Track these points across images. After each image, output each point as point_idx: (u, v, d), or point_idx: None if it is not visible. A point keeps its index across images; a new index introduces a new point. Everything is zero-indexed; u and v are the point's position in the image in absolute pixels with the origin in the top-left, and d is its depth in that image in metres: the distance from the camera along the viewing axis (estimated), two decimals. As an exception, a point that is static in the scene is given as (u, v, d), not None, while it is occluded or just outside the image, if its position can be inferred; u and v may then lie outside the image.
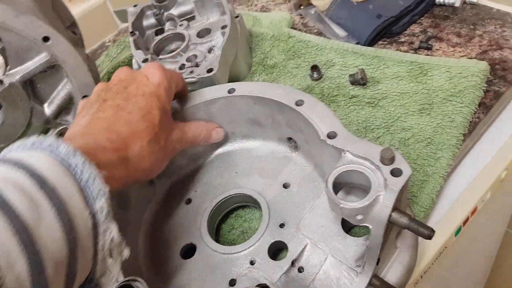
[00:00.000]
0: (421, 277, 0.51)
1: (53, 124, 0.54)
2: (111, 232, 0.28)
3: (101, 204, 0.27)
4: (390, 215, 0.32)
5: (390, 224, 0.33)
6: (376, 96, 0.58)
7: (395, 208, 0.33)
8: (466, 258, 0.68)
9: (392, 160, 0.34)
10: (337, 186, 0.35)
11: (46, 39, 0.46)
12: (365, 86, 0.60)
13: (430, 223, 0.49)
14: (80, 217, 0.26)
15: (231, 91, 0.48)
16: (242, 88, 0.48)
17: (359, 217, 0.33)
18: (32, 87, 0.51)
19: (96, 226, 0.27)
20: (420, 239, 0.44)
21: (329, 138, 0.38)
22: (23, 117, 0.50)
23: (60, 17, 0.57)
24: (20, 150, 0.28)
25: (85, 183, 0.27)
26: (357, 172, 0.35)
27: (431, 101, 0.55)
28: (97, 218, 0.27)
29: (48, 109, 0.53)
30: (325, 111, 0.41)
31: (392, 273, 0.38)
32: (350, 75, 0.61)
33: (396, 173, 0.33)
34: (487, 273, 1.03)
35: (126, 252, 0.30)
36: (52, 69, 0.50)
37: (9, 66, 0.48)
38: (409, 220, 0.32)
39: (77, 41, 0.61)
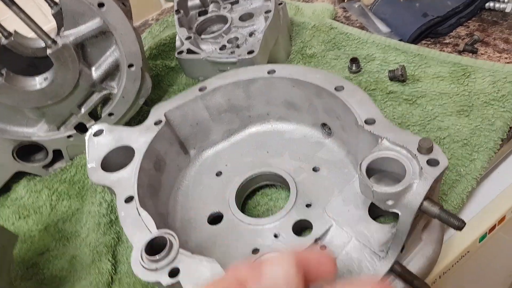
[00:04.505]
0: (440, 277, 0.50)
1: (98, 88, 0.57)
2: None
3: None
4: (422, 203, 0.33)
5: (421, 212, 0.33)
6: (415, 93, 0.57)
7: (427, 197, 0.33)
8: (486, 268, 0.66)
9: (430, 150, 0.34)
10: (370, 172, 0.36)
11: (101, 5, 0.49)
12: (404, 83, 0.59)
13: (456, 225, 0.49)
14: None
15: (271, 72, 0.49)
16: (282, 70, 0.49)
17: (390, 202, 0.34)
18: (82, 50, 0.53)
19: None
20: (445, 238, 0.44)
21: (367, 124, 0.39)
22: (72, 77, 0.53)
23: (113, -12, 0.60)
24: None
25: None
26: (393, 160, 0.35)
27: (471, 103, 0.54)
28: None
29: (95, 73, 0.56)
30: (365, 98, 0.42)
31: (414, 263, 0.39)
32: (390, 71, 0.60)
33: (432, 163, 0.33)
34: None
35: None
36: (103, 35, 0.53)
37: (63, 28, 0.51)
38: (440, 209, 0.33)
39: (126, 13, 0.64)
